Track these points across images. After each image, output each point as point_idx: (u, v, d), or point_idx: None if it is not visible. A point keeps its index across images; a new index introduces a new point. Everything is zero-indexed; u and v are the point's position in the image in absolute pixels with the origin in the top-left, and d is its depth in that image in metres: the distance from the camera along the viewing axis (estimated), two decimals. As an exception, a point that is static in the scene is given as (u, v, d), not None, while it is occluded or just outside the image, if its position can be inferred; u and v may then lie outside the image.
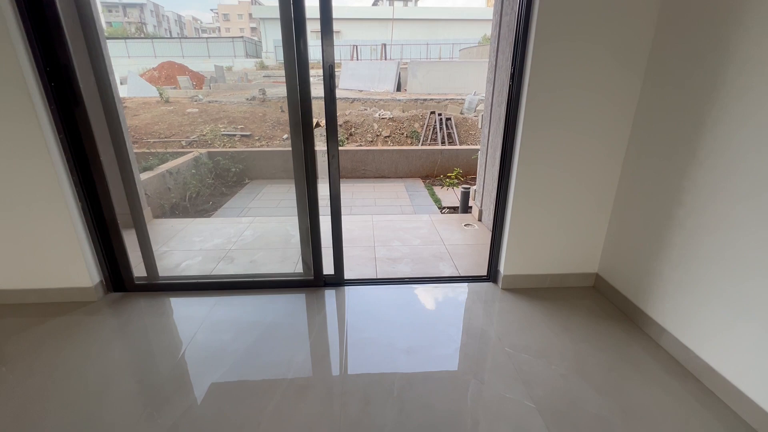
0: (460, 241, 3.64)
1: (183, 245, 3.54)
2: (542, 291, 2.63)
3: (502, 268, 2.62)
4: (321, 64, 2.16)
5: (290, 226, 4.10)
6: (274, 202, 5.28)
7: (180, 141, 8.63)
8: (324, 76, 2.21)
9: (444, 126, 8.86)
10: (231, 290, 2.62)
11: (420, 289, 2.66)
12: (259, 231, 3.91)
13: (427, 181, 6.57)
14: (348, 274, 2.91)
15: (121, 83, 14.81)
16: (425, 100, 12.49)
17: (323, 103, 2.26)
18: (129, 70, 15.21)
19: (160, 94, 11.00)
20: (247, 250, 3.44)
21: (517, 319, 2.33)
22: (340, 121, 9.15)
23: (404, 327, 2.25)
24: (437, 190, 5.92)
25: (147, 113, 10.26)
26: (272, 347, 2.08)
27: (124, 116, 3.67)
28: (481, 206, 4.17)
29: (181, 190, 4.96)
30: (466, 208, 4.55)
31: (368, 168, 6.71)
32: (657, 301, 2.12)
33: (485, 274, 2.80)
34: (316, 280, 2.65)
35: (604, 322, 2.31)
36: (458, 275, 2.87)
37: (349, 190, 5.89)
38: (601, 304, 2.50)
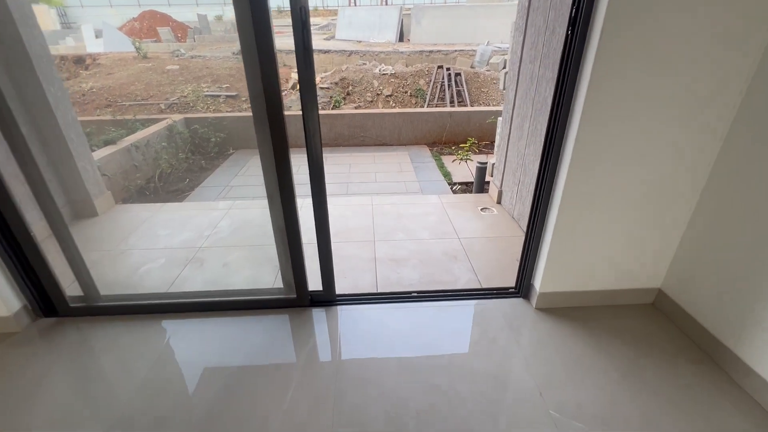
0: (478, 233, 3.03)
1: (145, 241, 2.95)
2: (587, 311, 2.06)
3: (538, 283, 2.04)
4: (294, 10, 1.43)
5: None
6: (259, 178, 4.62)
7: (159, 104, 7.78)
8: (294, 25, 1.49)
9: (453, 83, 7.89)
10: (194, 313, 2.07)
11: (431, 310, 2.10)
12: (237, 220, 3.30)
13: (435, 148, 5.83)
14: (341, 284, 2.35)
15: (97, 36, 13.51)
16: (431, 51, 11.26)
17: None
18: (104, 21, 13.80)
19: (137, 48, 9.89)
20: (222, 248, 2.86)
21: (561, 358, 1.78)
22: (336, 78, 8.18)
23: (414, 373, 1.71)
24: (446, 160, 5.21)
25: (122, 71, 9.27)
26: (241, 405, 1.56)
27: (57, 77, 2.93)
28: (501, 185, 3.51)
29: (152, 167, 4.30)
30: (482, 187, 3.89)
31: (368, 134, 5.94)
32: (746, 336, 1.55)
33: (513, 286, 2.23)
34: (300, 298, 2.09)
35: (673, 359, 1.76)
36: (479, 289, 2.29)
37: (345, 162, 5.20)
38: (665, 328, 1.93)
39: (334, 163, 5.15)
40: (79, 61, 10.41)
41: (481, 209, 3.46)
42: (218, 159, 5.32)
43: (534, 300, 2.08)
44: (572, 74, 1.58)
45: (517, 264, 2.49)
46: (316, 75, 9.55)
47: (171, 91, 8.27)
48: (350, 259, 2.68)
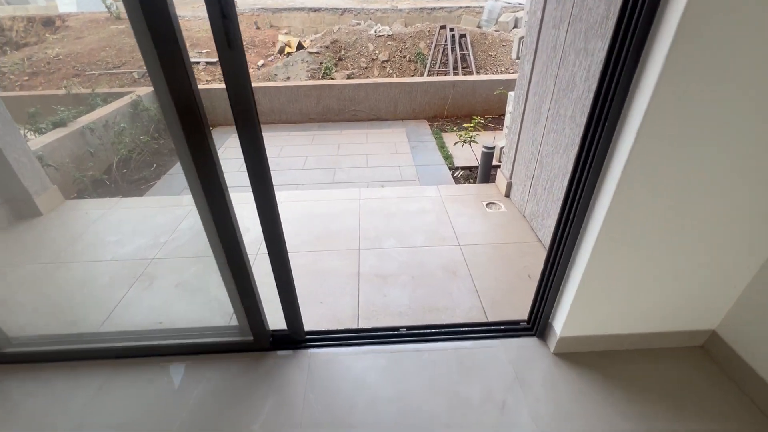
0: (482, 237, 2.56)
1: (90, 251, 2.51)
2: (619, 356, 1.64)
3: (559, 325, 1.60)
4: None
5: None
6: (237, 162, 4.10)
7: (131, 72, 7.07)
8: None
9: (457, 45, 7.08)
10: (130, 359, 1.66)
11: (422, 358, 1.68)
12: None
13: (436, 124, 5.22)
14: (316, 312, 1.93)
15: (68, -6, 12.36)
16: (433, 9, 10.20)
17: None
18: (75, -25, 12.57)
19: (108, 8, 8.96)
20: (178, 260, 2.41)
21: (589, 426, 1.37)
22: (326, 40, 7.36)
23: (395, 458, 1.31)
24: (448, 139, 4.63)
25: (93, 35, 8.43)
26: None
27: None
28: (511, 176, 2.99)
29: (110, 153, 3.77)
30: (487, 175, 3.37)
31: (360, 107, 5.31)
32: None
33: (525, 320, 1.79)
34: (257, 341, 1.67)
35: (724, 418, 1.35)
36: (483, 324, 1.85)
37: (334, 141, 4.63)
38: (715, 376, 1.52)
39: (321, 142, 4.60)
40: (48, 23, 9.50)
41: (487, 204, 2.97)
42: (192, 139, 4.76)
43: (552, 343, 1.65)
44: (632, 56, 1.04)
45: (529, 281, 2.05)
46: (305, 37, 8.66)
47: (145, 57, 7.49)
48: (329, 275, 2.24)
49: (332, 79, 7.00)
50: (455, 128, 5.00)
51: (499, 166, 3.70)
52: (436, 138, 4.72)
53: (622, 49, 1.06)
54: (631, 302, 1.50)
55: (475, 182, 3.58)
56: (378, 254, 2.42)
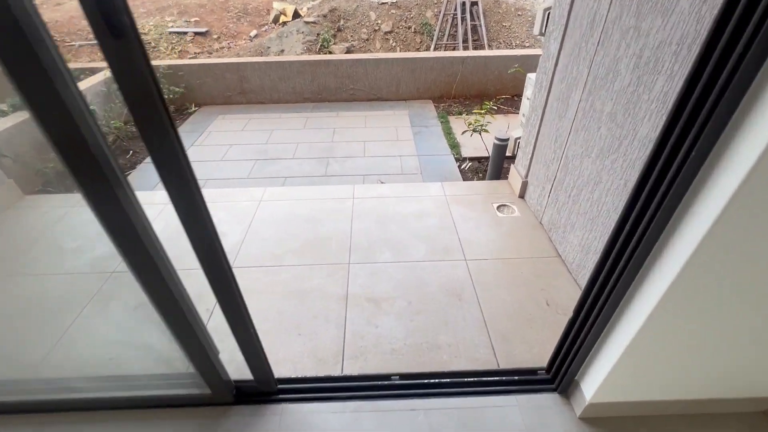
0: (492, 249, 2.21)
1: (43, 261, 2.21)
2: (661, 422, 1.33)
3: (590, 388, 1.27)
4: None
5: (248, 197, 2.68)
6: (221, 150, 3.71)
7: (114, 43, 6.53)
8: None
9: (468, 15, 6.43)
10: (64, 413, 1.38)
11: (420, 416, 1.37)
12: (173, 223, 2.49)
13: (442, 105, 4.74)
14: (292, 350, 1.62)
15: (51, -45, 11.51)
16: (442, -28, 9.34)
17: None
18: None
19: (90, -30, 8.25)
20: (141, 274, 2.10)
21: None
22: (324, 9, 6.72)
23: None
24: (455, 123, 4.19)
25: (74, 1, 7.80)
26: None
27: None
28: (527, 175, 2.60)
29: (78, 138, 3.39)
30: (499, 171, 2.98)
31: (359, 86, 4.83)
32: None
33: (545, 369, 1.47)
34: (217, 393, 1.37)
35: None
36: (492, 372, 1.54)
37: (329, 125, 4.21)
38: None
39: (314, 126, 4.17)
40: (28, -13, 8.84)
41: (498, 207, 2.60)
42: (176, 121, 4.34)
43: (579, 406, 1.34)
44: (756, 52, 0.65)
45: (547, 310, 1.72)
46: (302, 5, 7.98)
47: (129, 26, 6.93)
48: (313, 296, 1.92)
49: (330, 52, 6.45)
50: (464, 111, 4.53)
51: (512, 159, 3.29)
52: (442, 122, 4.27)
53: (742, 28, 0.67)
54: (688, 368, 1.17)
55: (484, 178, 3.19)
56: (371, 270, 2.09)
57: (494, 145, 2.88)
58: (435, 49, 6.44)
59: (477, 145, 3.66)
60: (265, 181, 3.20)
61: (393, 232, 2.37)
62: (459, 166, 3.41)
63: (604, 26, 1.69)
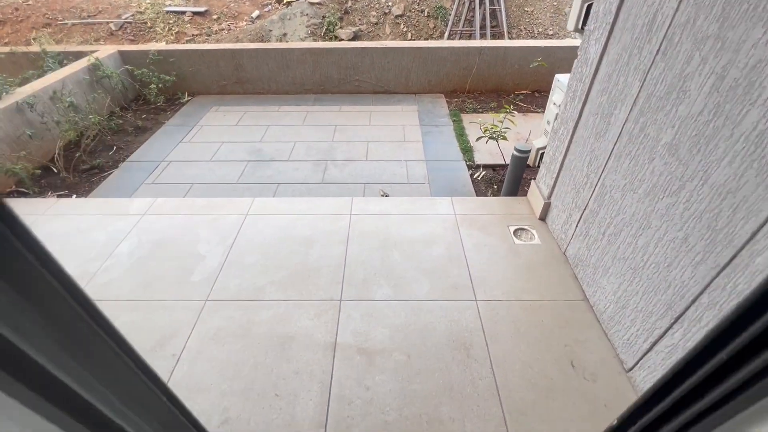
0: (507, 288, 1.91)
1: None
2: None
3: None
4: None
5: (234, 209, 2.39)
6: (211, 148, 3.40)
7: (108, 23, 6.20)
8: None
9: (486, 0, 5.91)
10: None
11: None
12: (148, 240, 2.21)
13: (455, 101, 4.34)
14: (265, 411, 1.36)
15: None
16: (460, -51, 8.67)
17: None
18: None
19: (86, -59, 7.81)
20: (106, 302, 1.84)
21: None
22: (331, -11, 6.22)
23: None
24: (468, 123, 3.81)
25: (69, -25, 7.42)
26: None
27: None
28: (551, 196, 2.26)
29: (54, 135, 3.10)
30: (517, 186, 2.63)
31: (364, 78, 4.44)
32: None
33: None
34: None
35: None
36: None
37: (330, 122, 3.86)
38: None
39: (314, 122, 3.83)
40: (23, -41, 8.43)
41: (515, 231, 2.28)
42: (166, 112, 4.03)
43: None
44: None
45: (574, 375, 1.43)
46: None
47: (125, 4, 6.57)
48: (296, 345, 1.65)
49: (336, 36, 6.02)
50: (478, 108, 4.14)
51: (532, 168, 2.95)
52: (454, 121, 3.89)
53: None
54: None
55: (499, 190, 2.85)
56: (366, 310, 1.81)
57: (513, 156, 2.53)
58: (450, 35, 5.96)
59: (492, 150, 3.30)
60: (255, 188, 2.90)
61: (393, 262, 2.07)
62: (471, 175, 3.07)
63: (669, 31, 1.32)
